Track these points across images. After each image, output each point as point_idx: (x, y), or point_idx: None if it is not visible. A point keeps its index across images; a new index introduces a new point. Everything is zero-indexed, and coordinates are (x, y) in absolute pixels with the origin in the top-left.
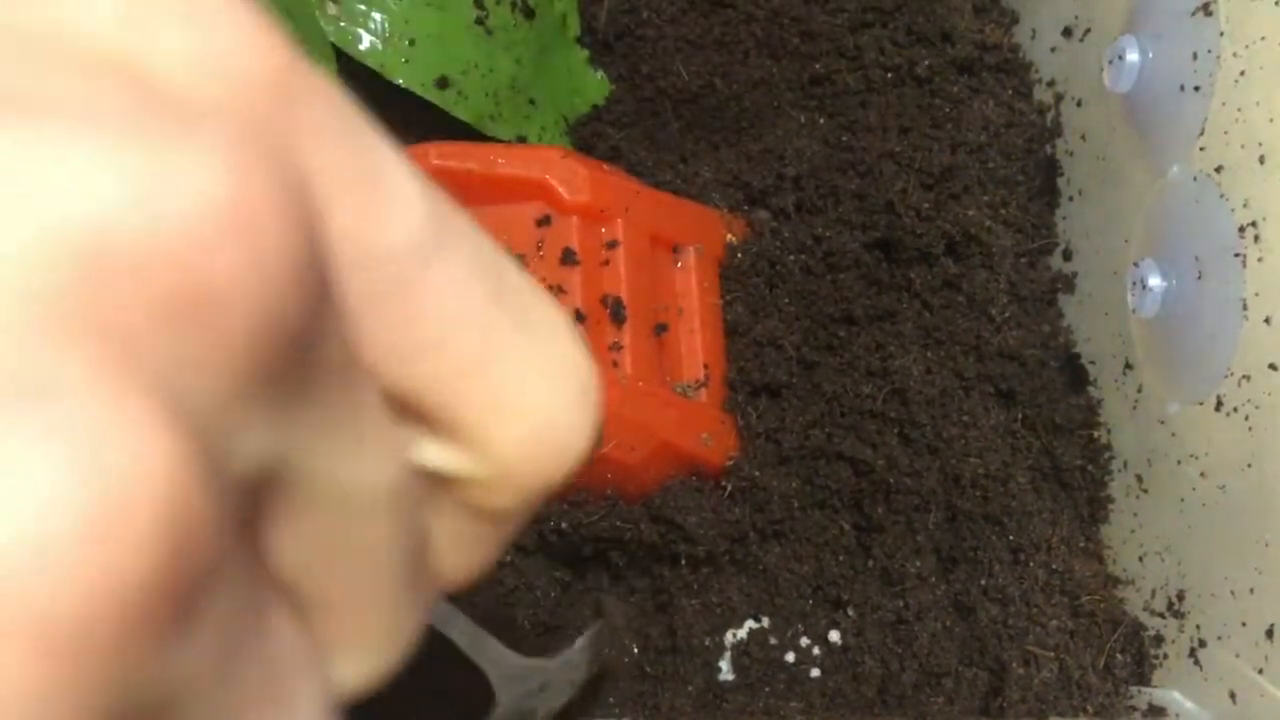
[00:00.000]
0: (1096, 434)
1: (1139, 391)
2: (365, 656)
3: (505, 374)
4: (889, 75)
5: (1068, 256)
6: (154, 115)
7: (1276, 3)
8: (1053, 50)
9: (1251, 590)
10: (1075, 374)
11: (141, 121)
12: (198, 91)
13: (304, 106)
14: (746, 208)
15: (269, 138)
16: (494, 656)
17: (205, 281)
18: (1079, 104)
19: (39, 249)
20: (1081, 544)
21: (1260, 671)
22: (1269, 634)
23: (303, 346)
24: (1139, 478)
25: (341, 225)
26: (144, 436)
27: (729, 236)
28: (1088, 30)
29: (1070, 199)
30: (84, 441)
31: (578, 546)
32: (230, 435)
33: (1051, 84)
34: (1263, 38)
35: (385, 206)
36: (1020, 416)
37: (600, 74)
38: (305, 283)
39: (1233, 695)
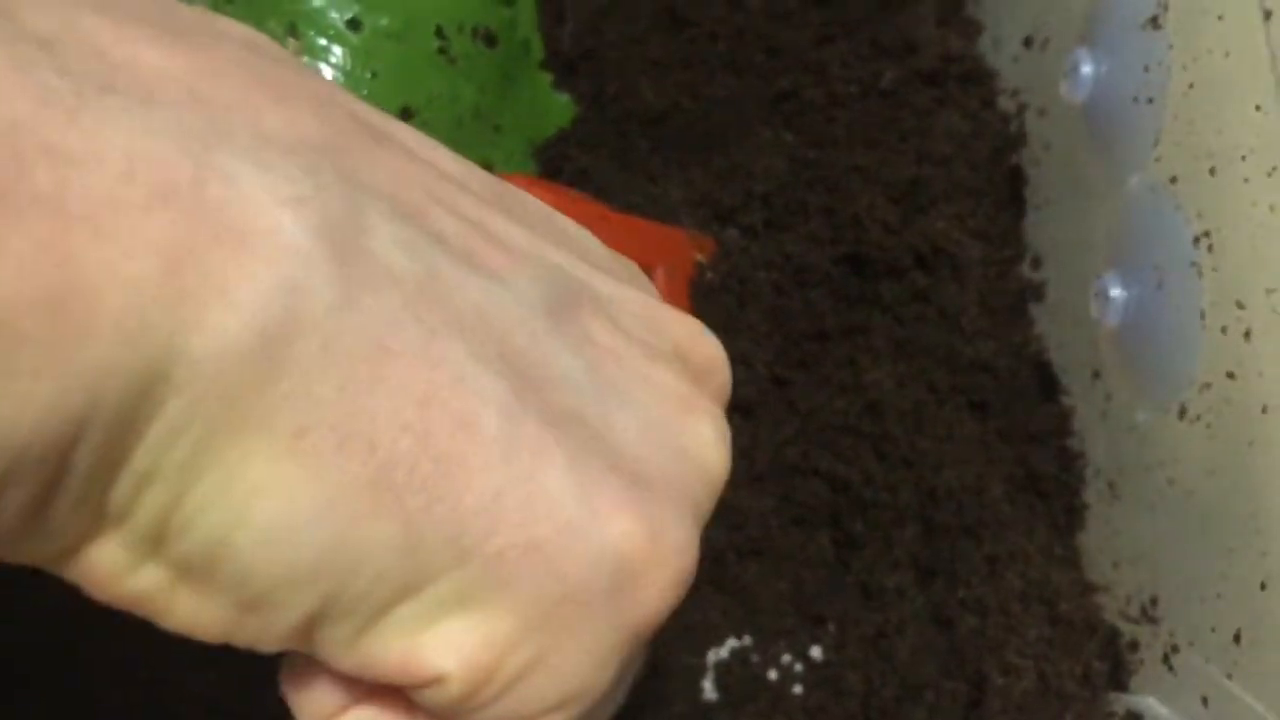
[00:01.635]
0: (1069, 443)
1: (1108, 400)
2: None
3: None
4: (854, 89)
5: (1036, 265)
6: (682, 507)
7: (1220, 17)
8: (1015, 60)
9: (1219, 595)
10: (1047, 383)
11: (677, 508)
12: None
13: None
14: (715, 226)
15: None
16: None
17: None
18: (1042, 114)
19: None
20: (1058, 552)
21: (1229, 676)
22: (1236, 638)
23: None
24: (1111, 485)
25: None
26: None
27: (698, 256)
28: (1047, 40)
29: (1037, 208)
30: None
31: None
32: None
33: (1015, 94)
34: (1209, 51)
35: None
36: (994, 427)
37: (565, 97)
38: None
39: (1204, 700)
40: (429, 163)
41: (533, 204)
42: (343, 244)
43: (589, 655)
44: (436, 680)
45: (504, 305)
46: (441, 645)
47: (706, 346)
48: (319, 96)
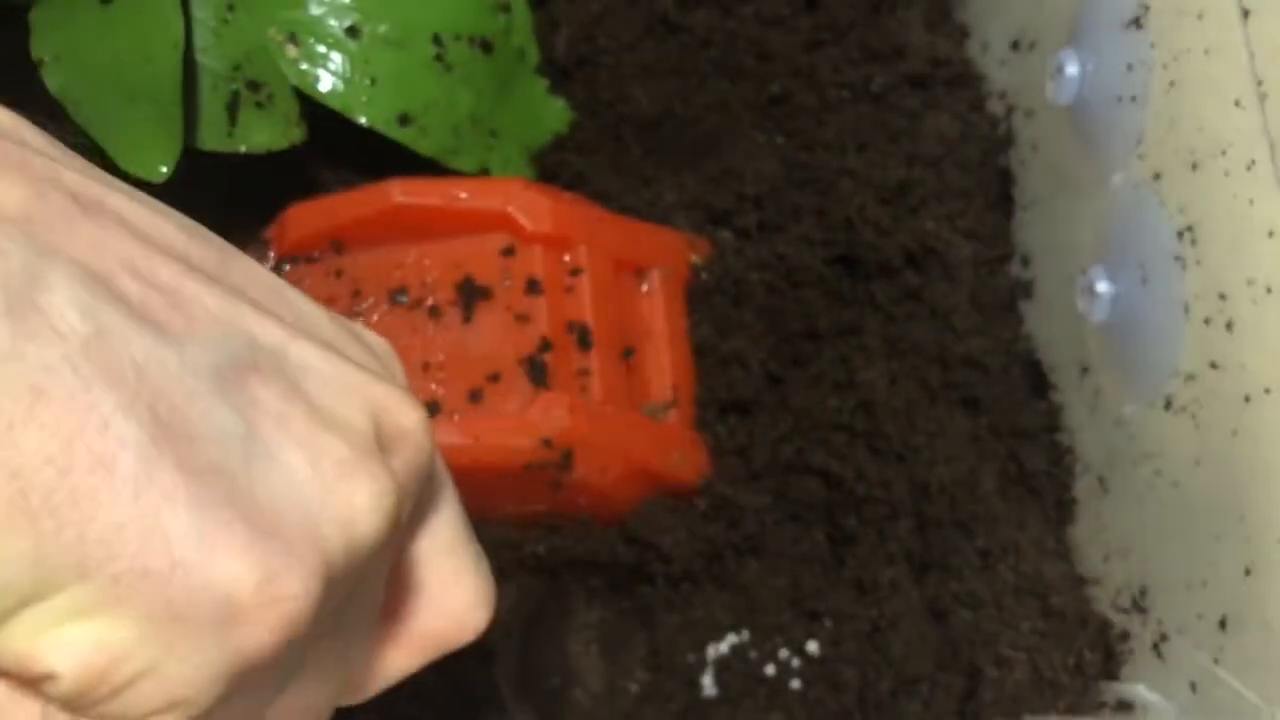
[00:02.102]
0: (1059, 437)
1: (1096, 394)
2: None
3: None
4: (844, 93)
5: (1025, 264)
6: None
7: (1199, 16)
8: (1002, 63)
9: (1205, 583)
10: (1037, 379)
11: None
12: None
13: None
14: (709, 229)
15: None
16: None
17: None
18: (1029, 115)
19: None
20: (1050, 546)
21: (1216, 661)
22: (1222, 624)
23: None
24: (1100, 479)
25: None
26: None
27: (693, 258)
28: (1033, 43)
29: (1025, 208)
30: None
31: (555, 570)
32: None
33: (1003, 96)
34: (1189, 50)
35: None
36: (985, 423)
37: (561, 103)
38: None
39: (1193, 685)
40: (143, 233)
41: (260, 275)
42: (14, 301)
43: (196, 670)
44: (49, 677)
45: (166, 365)
46: (56, 648)
47: (401, 417)
48: (34, 172)
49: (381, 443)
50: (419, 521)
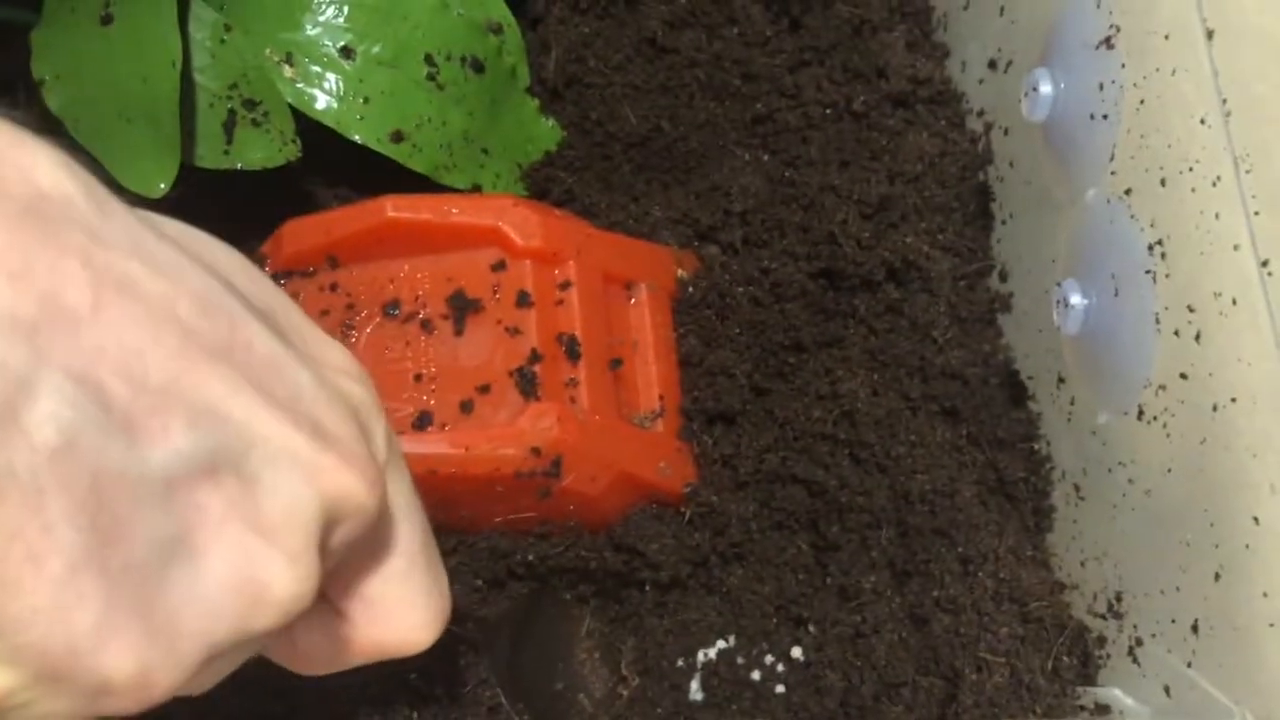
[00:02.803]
0: (1037, 446)
1: (1072, 404)
2: None
3: None
4: (827, 112)
5: (1004, 278)
6: (361, 453)
7: (1167, 36)
8: (981, 82)
9: (1178, 588)
10: (1015, 390)
11: (357, 454)
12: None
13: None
14: (696, 244)
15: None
16: None
17: None
18: (1006, 133)
19: None
20: (1028, 553)
21: (1189, 665)
22: (1194, 629)
23: None
24: (1076, 487)
25: None
26: None
27: (680, 272)
28: (1009, 63)
29: (1003, 223)
30: None
31: (545, 578)
32: None
33: (981, 114)
34: (1157, 69)
35: None
36: (965, 433)
37: (551, 121)
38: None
39: (1166, 689)
40: (163, 311)
41: (261, 348)
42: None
43: (67, 710)
44: None
45: (123, 477)
46: None
47: (353, 497)
48: (76, 250)
49: (330, 517)
50: (375, 553)
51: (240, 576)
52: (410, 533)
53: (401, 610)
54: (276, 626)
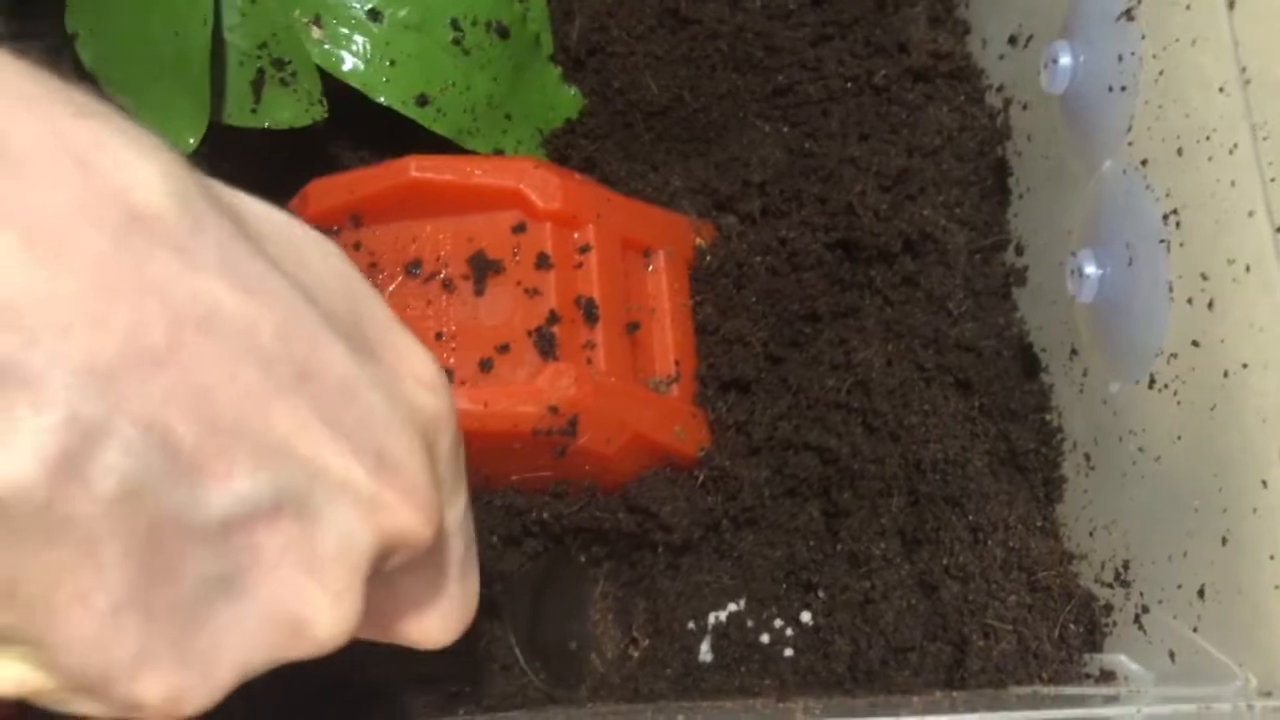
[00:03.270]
0: (1048, 417)
1: (1084, 375)
2: None
3: None
4: (848, 85)
5: (1020, 251)
6: (423, 485)
7: (1188, 7)
8: (1001, 57)
9: (1185, 554)
10: (1028, 362)
11: (419, 486)
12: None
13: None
14: (714, 213)
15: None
16: None
17: None
18: (1025, 107)
19: None
20: (1038, 523)
21: (1195, 630)
22: (1200, 594)
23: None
24: (1087, 456)
25: None
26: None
27: (698, 240)
28: (1030, 37)
29: (1020, 197)
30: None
31: (559, 537)
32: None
33: (1000, 89)
34: (1177, 40)
35: None
36: (977, 404)
37: (574, 89)
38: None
39: (1172, 655)
40: (246, 340)
41: (335, 371)
42: (66, 460)
43: (96, 711)
44: None
45: (180, 518)
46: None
47: (410, 533)
48: (162, 289)
49: (384, 552)
50: (415, 563)
51: (283, 612)
52: (456, 546)
53: (428, 612)
54: (312, 658)
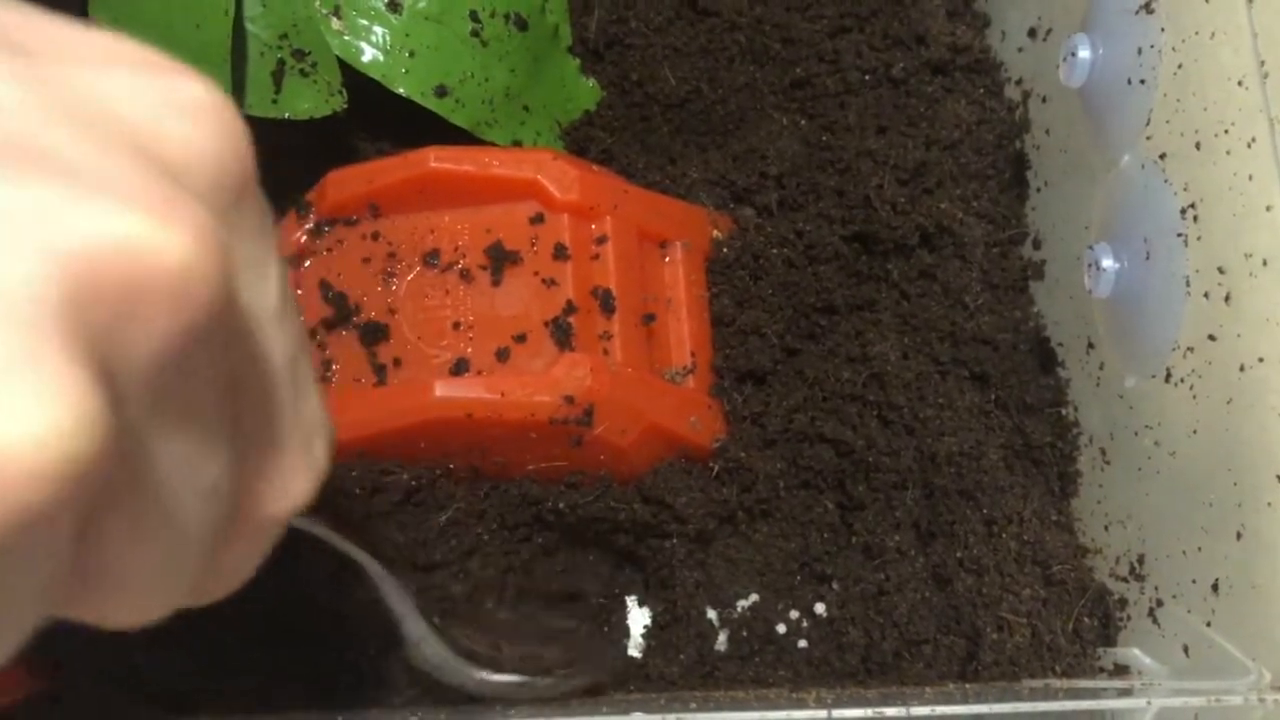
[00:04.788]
0: (1064, 412)
1: (1100, 369)
2: None
3: None
4: (866, 77)
5: (1037, 245)
6: (155, 189)
7: (1207, 0)
8: (1020, 50)
9: (1199, 549)
10: (1045, 356)
11: (144, 190)
12: (188, 176)
13: (246, 207)
14: (732, 205)
15: (223, 225)
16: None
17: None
18: (1044, 100)
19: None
20: (1053, 517)
21: (1209, 624)
22: (1215, 588)
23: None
24: (1102, 451)
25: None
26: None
27: (715, 232)
28: (1049, 30)
29: (1038, 190)
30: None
31: (574, 526)
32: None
33: (1019, 82)
34: (1196, 32)
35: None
36: (993, 397)
37: (592, 81)
38: (217, 319)
39: (1186, 649)
40: None
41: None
42: None
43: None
44: None
45: None
46: None
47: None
48: None
49: (93, 298)
50: (261, 405)
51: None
52: (290, 364)
53: (293, 476)
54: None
